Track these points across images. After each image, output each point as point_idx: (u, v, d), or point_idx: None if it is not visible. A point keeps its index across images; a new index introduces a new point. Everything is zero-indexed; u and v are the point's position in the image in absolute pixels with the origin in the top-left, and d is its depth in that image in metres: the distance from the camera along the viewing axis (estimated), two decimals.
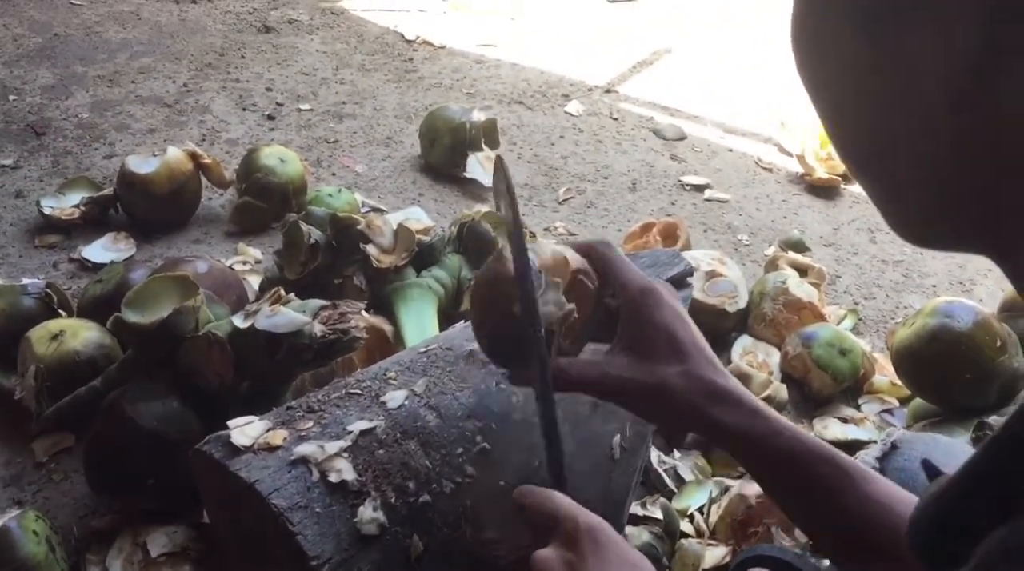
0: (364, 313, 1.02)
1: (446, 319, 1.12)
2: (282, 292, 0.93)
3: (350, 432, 0.71)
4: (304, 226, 1.15)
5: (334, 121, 1.74)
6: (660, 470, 0.98)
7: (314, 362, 0.89)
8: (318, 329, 0.88)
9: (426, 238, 1.17)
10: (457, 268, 1.19)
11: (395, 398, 0.74)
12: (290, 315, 0.88)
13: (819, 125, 1.72)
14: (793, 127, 1.82)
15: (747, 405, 0.58)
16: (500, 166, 0.63)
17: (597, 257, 0.62)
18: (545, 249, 0.61)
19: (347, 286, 1.14)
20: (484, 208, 1.35)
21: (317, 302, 0.92)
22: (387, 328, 1.09)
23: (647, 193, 1.66)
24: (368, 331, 0.95)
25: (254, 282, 1.26)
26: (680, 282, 0.93)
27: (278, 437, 0.71)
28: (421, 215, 1.39)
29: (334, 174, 1.59)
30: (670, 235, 1.40)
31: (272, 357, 0.89)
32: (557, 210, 1.56)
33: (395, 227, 1.17)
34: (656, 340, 0.59)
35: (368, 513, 0.67)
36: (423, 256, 1.16)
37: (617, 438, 0.76)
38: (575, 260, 0.62)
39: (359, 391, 0.76)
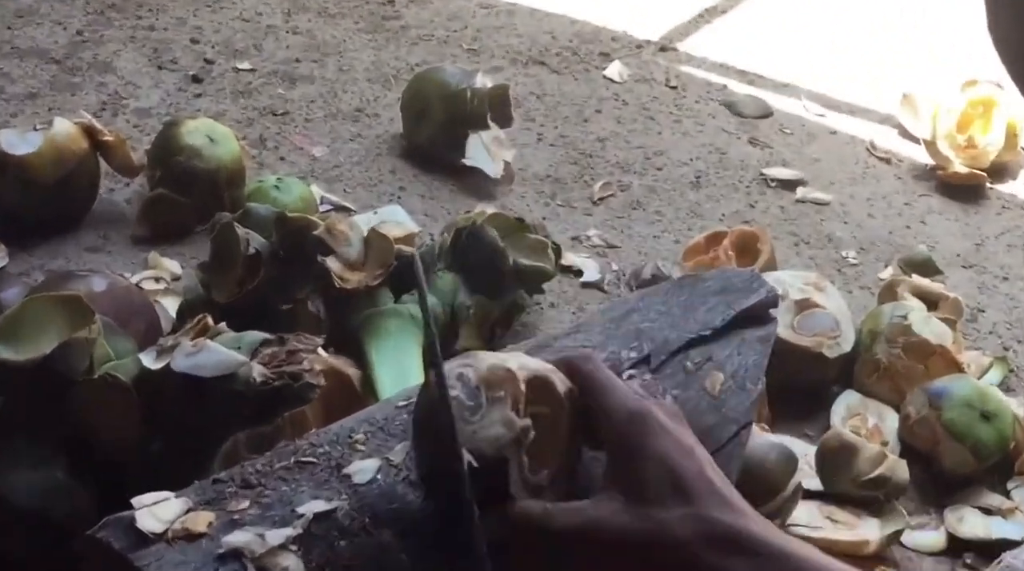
0: (322, 352, 1.03)
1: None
2: (209, 321, 0.94)
3: (301, 516, 0.72)
4: (240, 230, 1.17)
5: (284, 85, 1.76)
6: None
7: (252, 418, 0.90)
8: (258, 373, 0.89)
9: (409, 249, 1.19)
10: (451, 291, 1.20)
11: (364, 470, 0.75)
12: (220, 353, 0.89)
13: (955, 100, 1.73)
14: (921, 102, 1.82)
15: (776, 554, 0.61)
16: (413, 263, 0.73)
17: (575, 376, 0.70)
18: (482, 360, 0.69)
19: (299, 314, 1.15)
20: (490, 208, 1.36)
21: (257, 336, 0.93)
22: (353, 372, 1.10)
23: (716, 191, 1.67)
24: (327, 376, 0.96)
25: (170, 306, 1.27)
26: (760, 315, 0.94)
27: (202, 521, 0.72)
28: (402, 217, 1.40)
29: (283, 159, 1.61)
30: (747, 249, 1.41)
31: (194, 410, 0.89)
32: (590, 213, 1.58)
33: (366, 233, 1.18)
34: (650, 477, 0.65)
35: None
36: (404, 274, 1.17)
37: None
38: (534, 368, 0.69)
39: (314, 459, 0.77)
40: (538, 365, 0.70)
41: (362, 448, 0.76)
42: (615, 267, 1.47)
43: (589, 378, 0.69)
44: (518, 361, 0.70)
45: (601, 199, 1.60)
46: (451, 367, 0.69)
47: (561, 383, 0.70)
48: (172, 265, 1.37)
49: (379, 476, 0.73)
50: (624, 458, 0.65)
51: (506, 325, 1.27)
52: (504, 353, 0.71)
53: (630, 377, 0.82)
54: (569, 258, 1.44)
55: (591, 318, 0.95)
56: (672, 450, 0.64)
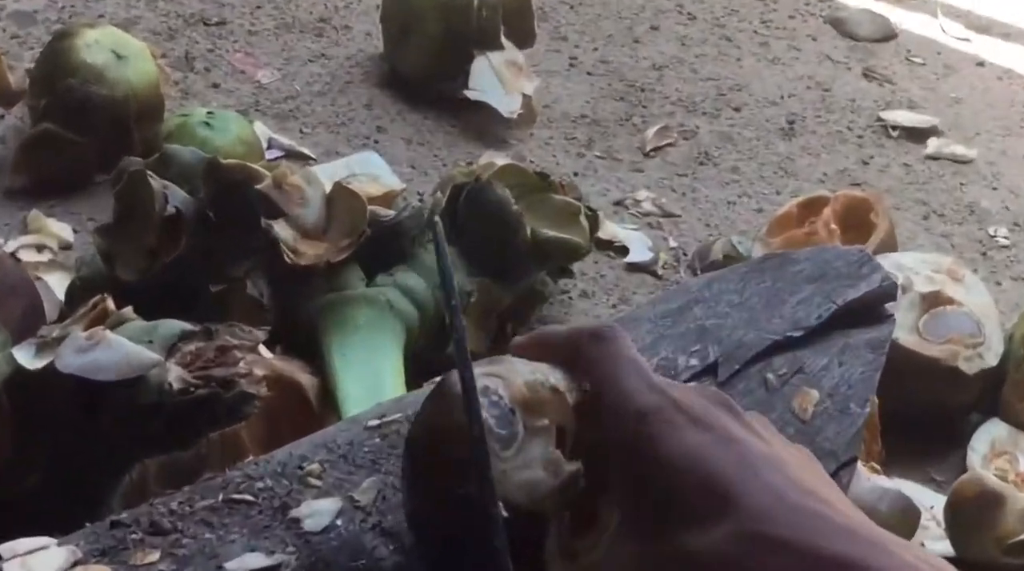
0: (265, 350, 1.03)
1: (419, 365, 1.13)
2: (110, 304, 0.94)
3: None
4: (156, 182, 1.17)
5: None
6: None
7: (166, 439, 0.91)
8: (176, 377, 0.89)
9: (387, 213, 1.19)
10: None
11: (318, 512, 0.75)
12: (124, 349, 0.89)
13: None
14: None
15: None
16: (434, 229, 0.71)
17: (584, 364, 0.66)
18: (517, 372, 0.66)
19: (234, 298, 1.16)
20: (501, 159, 1.37)
21: (176, 326, 0.93)
22: (307, 379, 1.10)
23: (816, 141, 1.67)
24: (270, 384, 0.96)
25: (57, 285, 1.28)
26: (871, 312, 0.94)
27: None
28: (380, 169, 1.41)
29: (216, 86, 1.62)
30: (857, 222, 1.41)
31: (87, 426, 0.90)
32: (640, 168, 1.58)
33: (328, 190, 1.18)
34: (671, 489, 0.59)
35: None
36: (382, 247, 1.18)
37: None
38: (573, 385, 0.67)
39: (250, 496, 0.77)
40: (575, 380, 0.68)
41: (317, 483, 0.76)
42: (673, 244, 1.47)
43: (594, 367, 0.66)
44: (555, 375, 0.67)
45: (656, 150, 1.61)
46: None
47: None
48: (61, 228, 1.38)
49: (339, 522, 0.73)
50: (633, 474, 0.61)
51: (520, 319, 1.28)
52: (540, 366, 0.69)
53: None
54: (610, 230, 1.45)
55: (638, 312, 0.95)
56: (701, 444, 0.60)
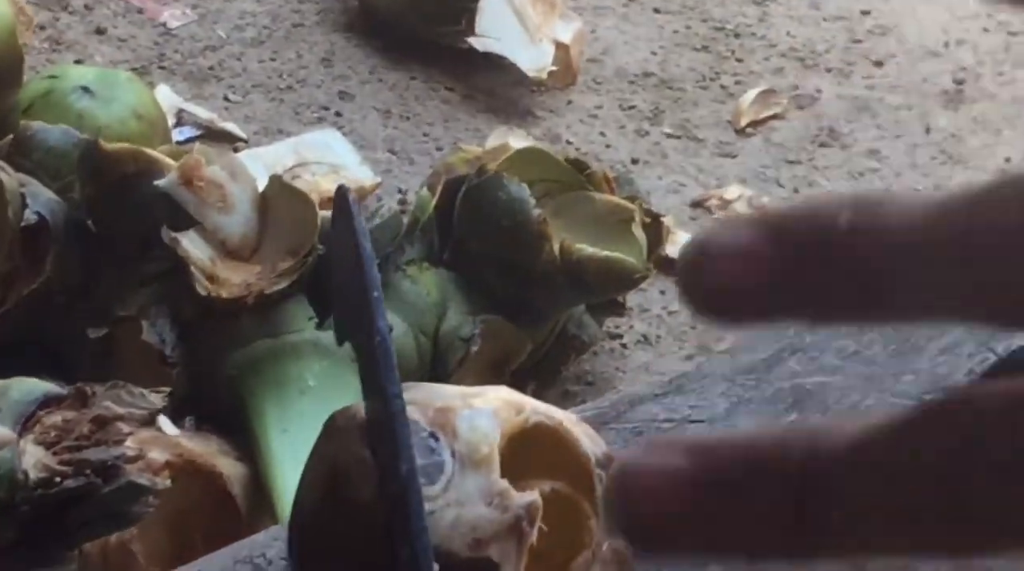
0: (166, 424, 1.06)
1: None
2: None
3: None
4: (8, 178, 1.20)
5: None
6: None
7: (18, 553, 0.93)
8: (34, 462, 0.92)
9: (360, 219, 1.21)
10: (435, 304, 1.22)
11: None
12: None
13: None
14: None
15: None
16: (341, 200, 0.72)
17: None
18: (435, 392, 0.72)
19: (123, 346, 1.18)
20: (520, 140, 1.38)
21: (35, 388, 0.96)
22: (228, 466, 1.13)
23: (994, 111, 1.70)
24: (177, 473, 0.99)
25: None
26: None
27: None
28: (343, 154, 1.44)
29: (102, 31, 1.65)
30: None
31: None
32: (732, 151, 1.61)
33: (262, 188, 1.22)
34: None
35: None
36: (331, 261, 1.19)
37: None
38: (540, 411, 0.72)
39: None
40: (546, 409, 0.72)
41: None
42: None
43: None
44: (506, 396, 0.72)
45: (756, 124, 1.64)
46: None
47: (591, 442, 0.73)
48: None
49: None
50: None
51: (546, 378, 1.31)
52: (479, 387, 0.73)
53: None
54: (683, 242, 1.46)
55: (709, 365, 0.97)
56: None
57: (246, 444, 1.15)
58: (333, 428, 0.71)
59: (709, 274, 0.45)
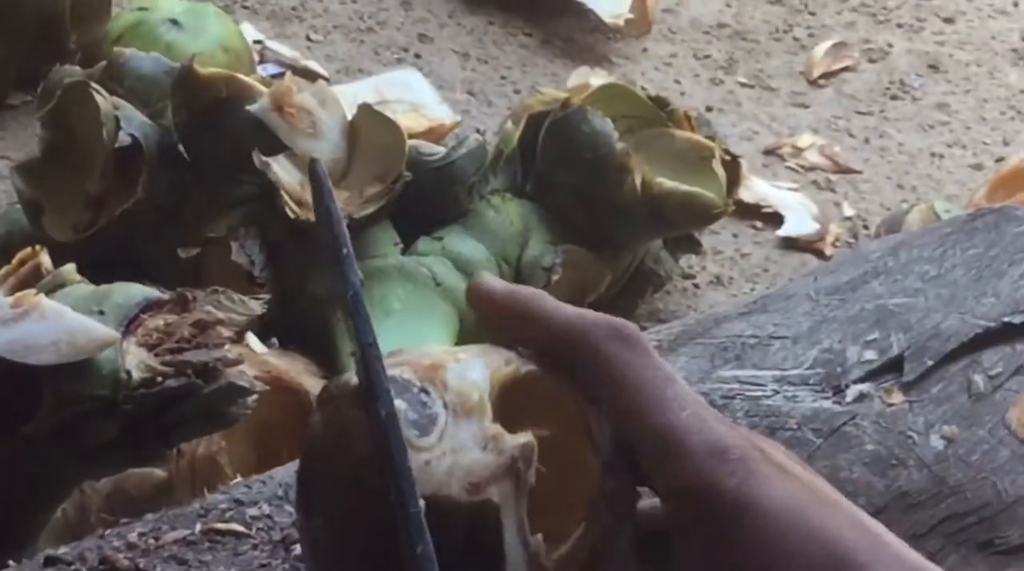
0: (254, 342, 1.08)
1: None
2: (45, 260, 0.99)
3: None
4: (103, 101, 1.21)
5: None
6: None
7: (121, 451, 0.95)
8: (137, 362, 0.93)
9: (434, 151, 1.24)
10: (517, 233, 1.24)
11: None
12: (64, 320, 0.93)
13: None
14: None
15: None
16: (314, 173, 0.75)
17: (604, 374, 0.72)
18: (421, 352, 0.72)
19: (212, 268, 1.21)
20: (599, 79, 1.39)
21: (137, 292, 0.98)
22: (313, 384, 1.15)
23: None
24: (268, 380, 1.00)
25: None
26: None
27: None
28: (423, 93, 1.47)
29: None
30: None
31: (12, 428, 0.93)
32: (805, 101, 1.63)
33: (350, 116, 1.24)
34: (785, 553, 0.67)
35: None
36: (425, 199, 1.23)
37: None
38: (525, 359, 0.73)
39: (240, 526, 0.80)
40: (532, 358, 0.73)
41: None
42: (849, 211, 1.53)
43: (624, 380, 0.72)
44: (492, 352, 0.73)
45: (828, 76, 1.66)
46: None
47: (583, 387, 0.73)
48: None
49: None
50: (715, 526, 0.68)
51: (623, 308, 1.32)
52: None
53: (856, 399, 0.87)
54: (757, 189, 1.50)
55: (792, 286, 0.99)
56: (802, 498, 0.68)
57: (330, 364, 1.16)
58: (327, 396, 0.72)
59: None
